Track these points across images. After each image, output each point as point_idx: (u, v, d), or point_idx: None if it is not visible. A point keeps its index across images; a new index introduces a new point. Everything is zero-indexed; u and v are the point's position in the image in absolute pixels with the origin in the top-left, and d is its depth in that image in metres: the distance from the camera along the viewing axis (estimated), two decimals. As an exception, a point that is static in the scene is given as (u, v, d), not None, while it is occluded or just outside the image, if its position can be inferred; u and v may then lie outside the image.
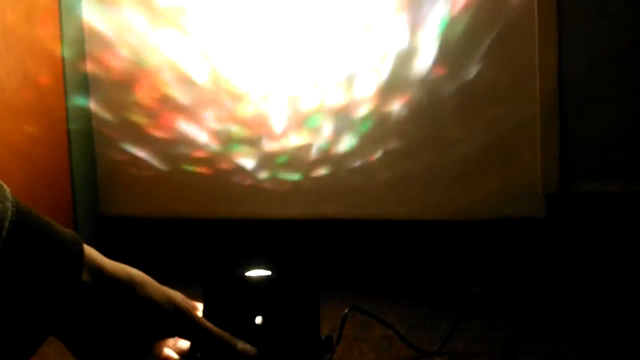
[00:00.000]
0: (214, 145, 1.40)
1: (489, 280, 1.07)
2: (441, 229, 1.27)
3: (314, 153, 1.34)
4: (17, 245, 0.39)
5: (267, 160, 1.37)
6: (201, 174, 1.42)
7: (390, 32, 1.26)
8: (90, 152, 1.47)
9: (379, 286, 1.24)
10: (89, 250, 0.45)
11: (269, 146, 1.37)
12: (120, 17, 1.41)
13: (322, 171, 1.34)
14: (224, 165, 1.40)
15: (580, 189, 1.18)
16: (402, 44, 1.26)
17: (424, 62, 1.25)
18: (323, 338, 0.52)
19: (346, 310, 0.91)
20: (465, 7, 1.22)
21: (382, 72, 1.27)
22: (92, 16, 1.44)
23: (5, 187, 0.42)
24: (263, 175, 1.38)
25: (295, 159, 1.35)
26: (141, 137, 1.45)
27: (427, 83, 1.25)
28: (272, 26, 1.33)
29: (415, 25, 1.24)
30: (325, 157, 1.34)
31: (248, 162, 1.38)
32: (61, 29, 1.38)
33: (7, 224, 0.39)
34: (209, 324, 0.49)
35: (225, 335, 0.50)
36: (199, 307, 0.55)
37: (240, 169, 1.39)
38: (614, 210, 1.17)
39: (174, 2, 1.38)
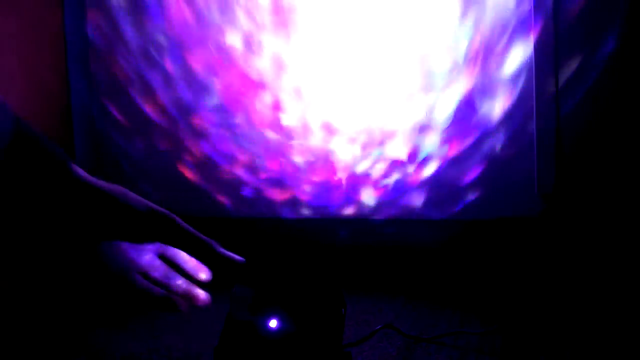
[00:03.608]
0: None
1: (507, 322, 1.05)
2: (437, 229, 1.28)
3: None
4: (18, 148, 0.44)
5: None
6: (206, 173, 1.43)
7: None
8: (95, 153, 1.49)
9: (376, 284, 1.25)
10: (75, 166, 0.49)
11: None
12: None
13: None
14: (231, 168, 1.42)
15: (575, 188, 1.18)
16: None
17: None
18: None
19: (379, 327, 0.93)
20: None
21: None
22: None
23: (7, 104, 0.46)
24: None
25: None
26: (146, 137, 1.46)
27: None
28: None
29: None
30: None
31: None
32: (64, 33, 1.40)
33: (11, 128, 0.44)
34: (190, 228, 0.50)
35: (208, 239, 0.50)
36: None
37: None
38: (609, 209, 1.17)
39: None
